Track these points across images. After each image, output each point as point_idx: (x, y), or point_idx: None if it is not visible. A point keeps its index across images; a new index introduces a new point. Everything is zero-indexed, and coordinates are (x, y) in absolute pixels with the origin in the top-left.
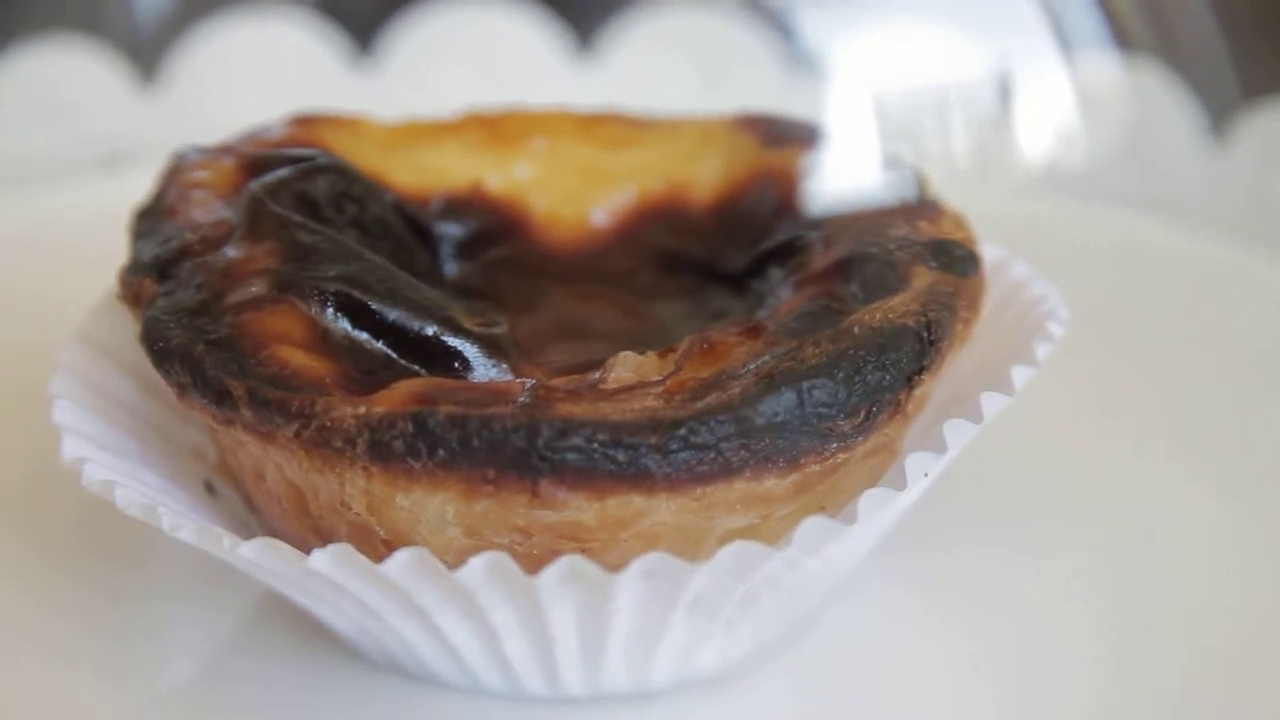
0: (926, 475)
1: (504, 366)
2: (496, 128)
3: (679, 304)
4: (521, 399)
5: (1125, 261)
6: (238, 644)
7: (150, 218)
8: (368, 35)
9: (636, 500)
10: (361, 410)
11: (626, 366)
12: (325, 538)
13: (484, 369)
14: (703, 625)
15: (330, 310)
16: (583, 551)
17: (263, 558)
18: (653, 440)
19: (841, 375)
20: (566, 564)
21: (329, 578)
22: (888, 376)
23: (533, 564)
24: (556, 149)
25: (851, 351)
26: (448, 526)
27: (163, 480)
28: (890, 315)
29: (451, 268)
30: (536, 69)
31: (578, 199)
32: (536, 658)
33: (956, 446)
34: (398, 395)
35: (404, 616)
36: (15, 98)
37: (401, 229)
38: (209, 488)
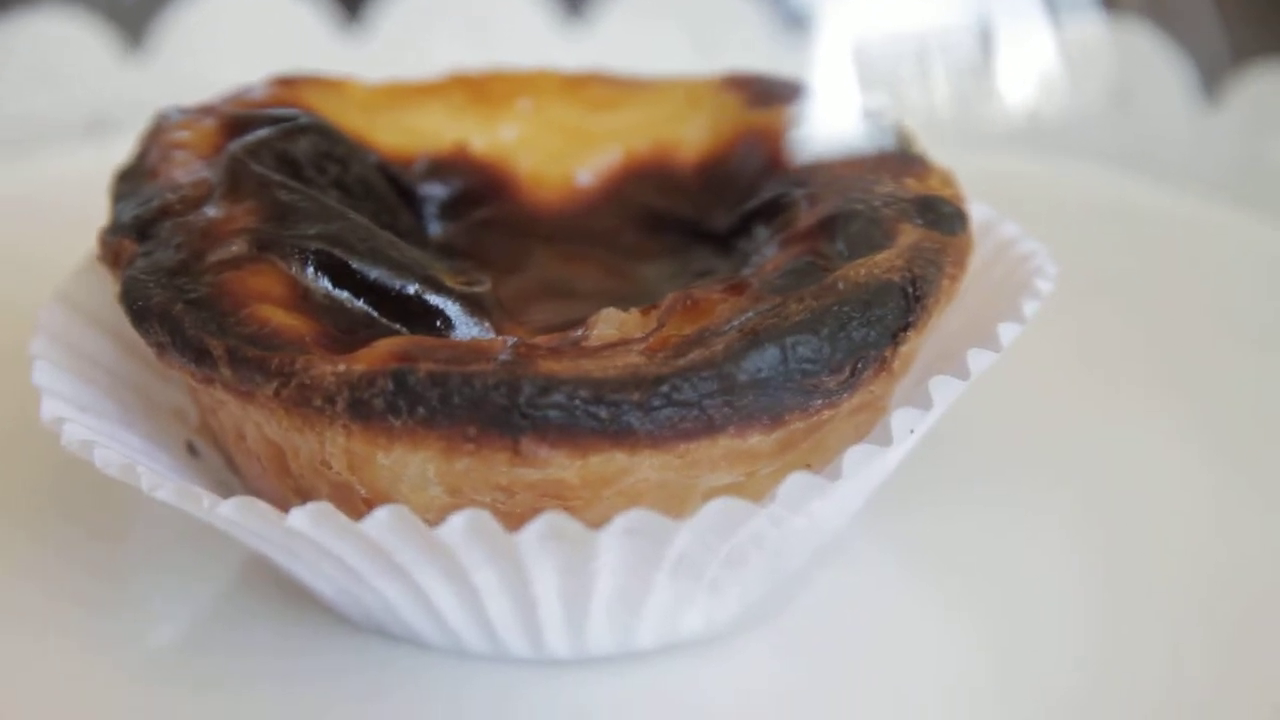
0: (912, 432)
1: (486, 325)
2: (481, 89)
3: (664, 263)
4: (503, 356)
5: (1111, 219)
6: (220, 608)
7: (131, 179)
8: (355, 1)
9: (619, 457)
10: (341, 368)
11: (609, 324)
12: (306, 497)
13: (466, 327)
14: (688, 585)
15: (310, 269)
16: (566, 510)
17: (242, 517)
18: (635, 397)
19: (826, 331)
20: (547, 521)
21: (308, 536)
22: (873, 332)
23: (515, 522)
24: (541, 110)
25: (836, 307)
26: (429, 485)
27: (143, 441)
28: (875, 271)
29: (436, 228)
30: (526, 35)
31: (563, 159)
32: (520, 618)
33: (943, 403)
34: (378, 353)
35: (385, 576)
36: (1, 63)
37: (385, 189)
38: (191, 449)
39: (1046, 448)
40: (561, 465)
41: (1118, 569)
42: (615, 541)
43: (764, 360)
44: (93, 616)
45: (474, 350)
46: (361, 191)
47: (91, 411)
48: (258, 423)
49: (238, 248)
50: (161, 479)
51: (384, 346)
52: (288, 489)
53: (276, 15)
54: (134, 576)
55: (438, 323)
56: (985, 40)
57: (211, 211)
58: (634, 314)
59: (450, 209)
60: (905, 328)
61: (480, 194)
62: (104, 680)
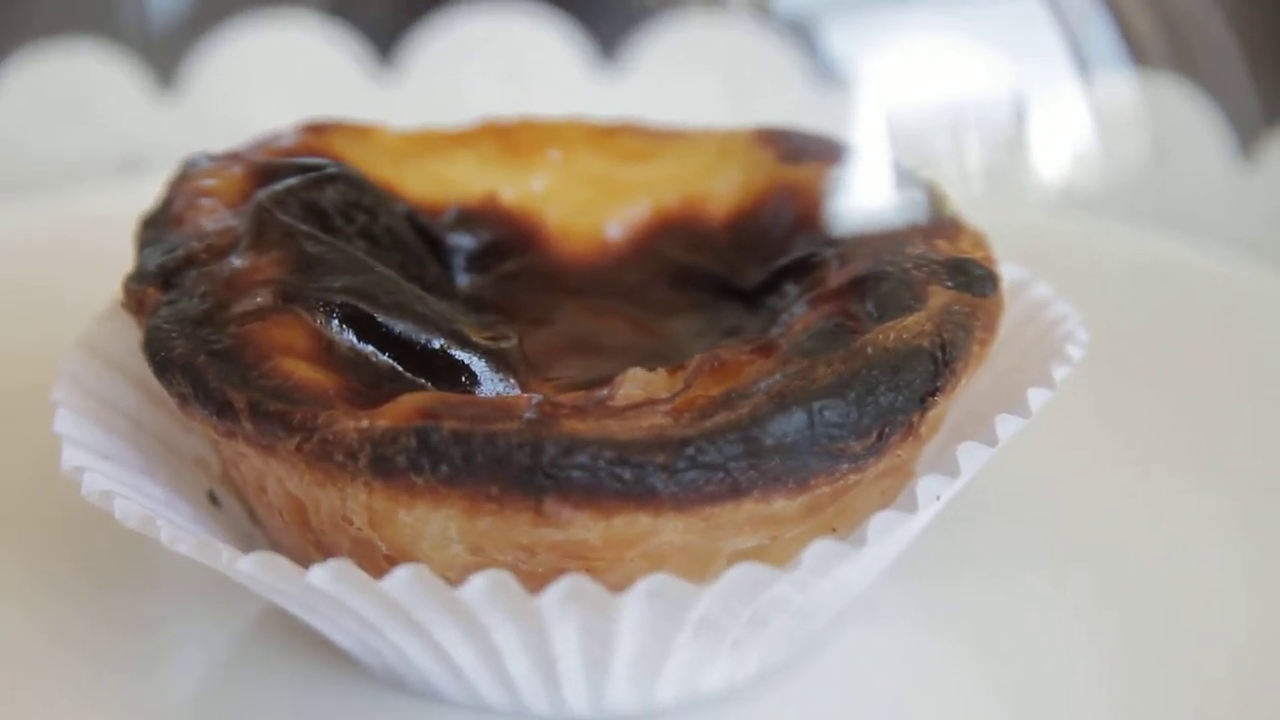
0: (939, 498)
1: (511, 381)
2: (511, 138)
3: (692, 319)
4: (527, 415)
5: (1145, 279)
6: (239, 658)
7: (157, 225)
8: (388, 43)
9: (643, 520)
10: (364, 424)
11: (636, 383)
12: (327, 552)
13: (491, 383)
14: (709, 647)
15: (335, 322)
16: (588, 570)
17: (261, 573)
18: (660, 459)
19: (853, 396)
20: (569, 584)
21: (328, 594)
22: (900, 397)
23: (537, 582)
24: (571, 161)
25: (864, 372)
26: (450, 543)
27: (165, 490)
28: (904, 335)
29: (464, 280)
30: (558, 79)
31: (592, 211)
32: (540, 677)
33: (970, 470)
34: (402, 409)
35: (405, 633)
36: (33, 100)
37: (412, 240)
38: (212, 498)
39: (1073, 515)
40: (585, 526)
41: (1141, 641)
42: (637, 605)
43: (790, 424)
44: (109, 668)
45: (499, 408)
46: (389, 242)
47: (113, 459)
48: (279, 477)
49: (262, 299)
50: (181, 532)
51: (408, 402)
52: (308, 543)
53: (308, 56)
54: (152, 628)
55: (463, 378)
56: (1018, 103)
57: (237, 261)
58: (661, 374)
59: (479, 260)
60: (933, 392)
61: (509, 245)
62: None
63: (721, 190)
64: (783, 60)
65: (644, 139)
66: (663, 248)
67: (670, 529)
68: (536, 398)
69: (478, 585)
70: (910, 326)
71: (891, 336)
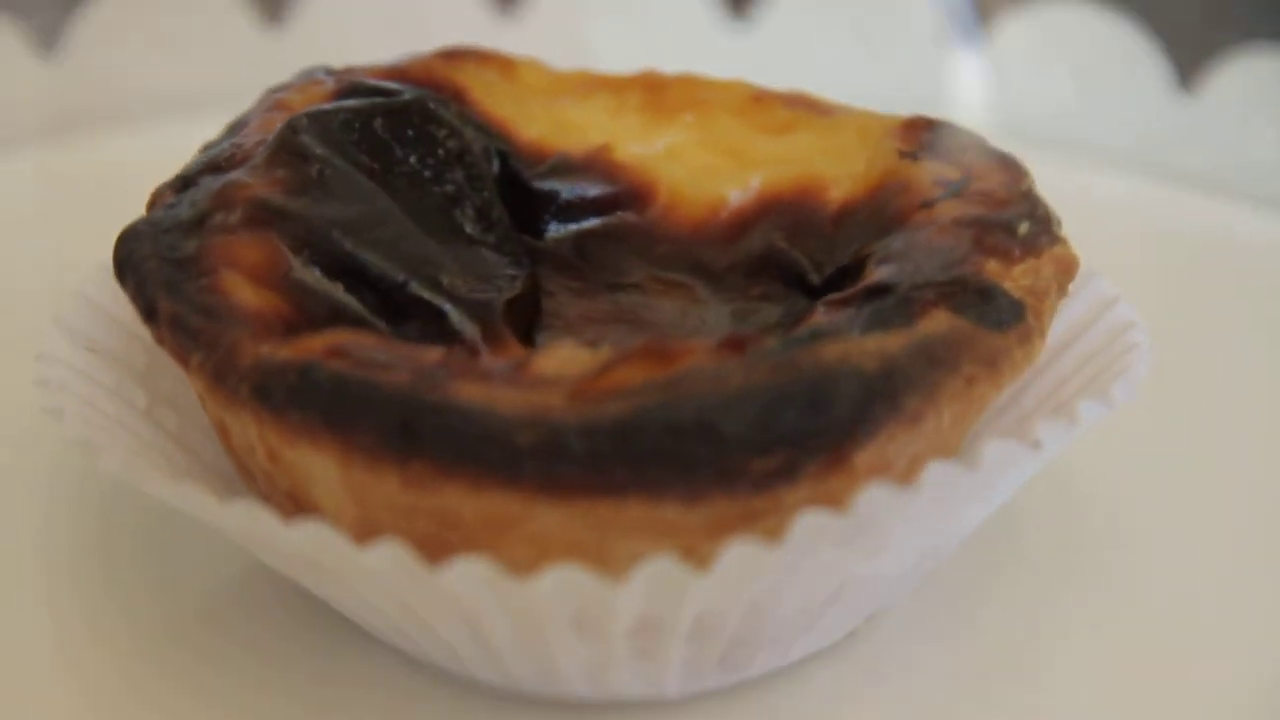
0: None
1: (474, 332)
2: (662, 92)
3: (749, 309)
4: (427, 370)
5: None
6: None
7: (231, 132)
8: None
9: (513, 501)
10: (264, 351)
11: (559, 357)
12: (249, 477)
13: (461, 329)
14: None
15: (306, 250)
16: (471, 546)
17: (176, 499)
18: (526, 440)
19: (753, 412)
20: (469, 562)
21: (235, 531)
22: (816, 423)
23: (428, 549)
24: (707, 124)
25: (779, 386)
26: (336, 490)
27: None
28: (848, 356)
29: (557, 229)
30: (688, 28)
31: (710, 180)
32: (414, 630)
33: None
34: (313, 343)
35: (314, 578)
36: (142, 32)
37: (486, 179)
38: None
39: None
40: (457, 499)
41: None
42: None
43: (674, 429)
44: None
45: (405, 358)
46: (446, 177)
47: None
48: (199, 393)
49: (239, 215)
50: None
51: (323, 337)
52: (237, 464)
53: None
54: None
55: (433, 324)
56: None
57: (240, 175)
58: (596, 353)
59: (571, 211)
60: (863, 424)
61: (609, 201)
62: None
63: (846, 174)
64: (917, 12)
65: (795, 110)
66: (765, 229)
67: (548, 518)
68: (450, 353)
69: (382, 553)
70: (869, 348)
71: (836, 354)
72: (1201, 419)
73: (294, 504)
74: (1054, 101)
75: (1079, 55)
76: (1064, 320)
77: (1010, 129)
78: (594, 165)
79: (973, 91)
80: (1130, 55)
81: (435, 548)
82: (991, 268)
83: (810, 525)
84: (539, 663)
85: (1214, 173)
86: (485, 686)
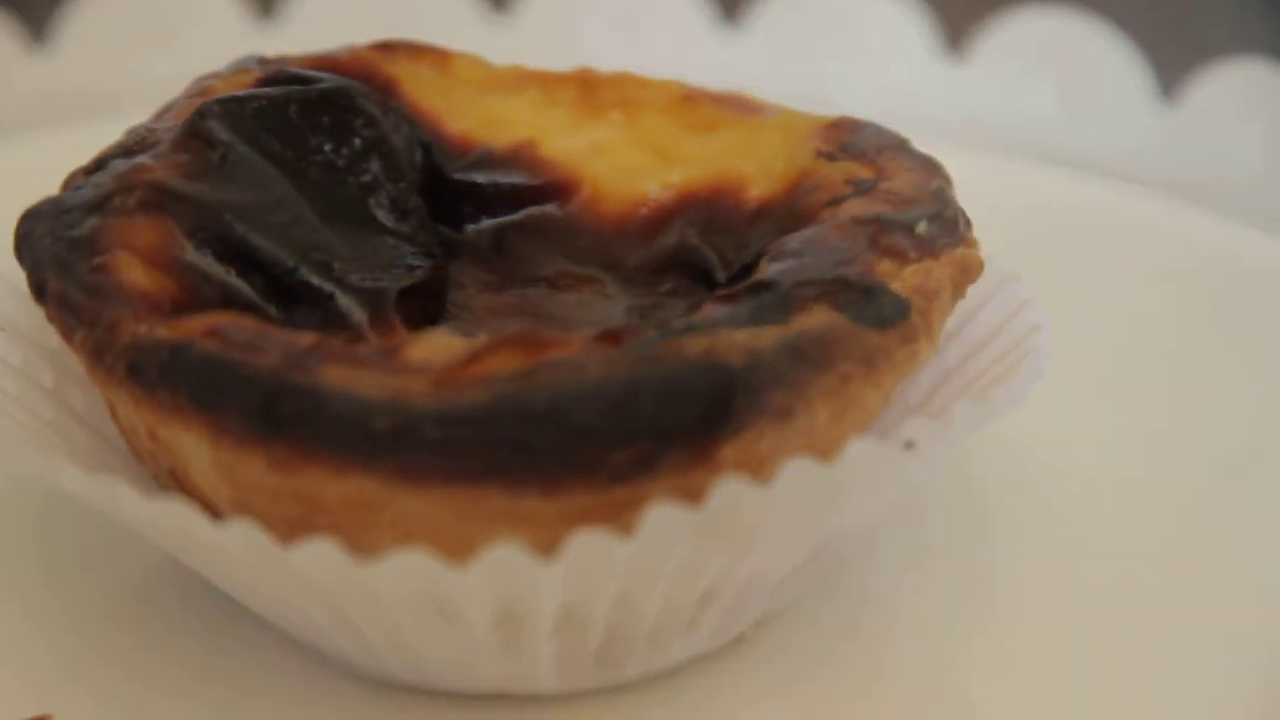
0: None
1: (363, 319)
2: (593, 89)
3: (651, 304)
4: (296, 353)
5: (1056, 223)
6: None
7: (155, 118)
8: None
9: (373, 485)
10: (142, 330)
11: (430, 344)
12: (137, 456)
13: (354, 317)
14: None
15: (199, 234)
16: (336, 530)
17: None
18: (381, 424)
19: (609, 402)
20: (321, 544)
21: (82, 499)
22: (673, 415)
23: (294, 531)
24: (635, 122)
25: (637, 377)
26: (208, 470)
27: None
28: (713, 349)
29: (480, 221)
30: (679, 31)
31: (634, 176)
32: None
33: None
34: (193, 324)
35: (187, 557)
36: (126, 22)
37: (407, 171)
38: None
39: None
40: (319, 481)
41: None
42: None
43: (532, 417)
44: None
45: (279, 341)
46: (360, 168)
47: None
48: (86, 371)
49: (136, 197)
50: None
51: (203, 319)
52: (127, 441)
53: None
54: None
55: (325, 312)
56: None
57: (145, 159)
58: (469, 341)
59: (492, 205)
60: (726, 419)
61: (531, 195)
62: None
63: (763, 176)
64: (904, 22)
65: (722, 110)
66: (681, 226)
67: (409, 504)
68: (324, 337)
69: (236, 531)
70: (736, 342)
71: (700, 347)
72: (1138, 420)
73: (176, 483)
74: (1036, 110)
75: (1061, 64)
76: (981, 322)
77: (992, 138)
78: (518, 159)
79: (955, 100)
80: (1112, 65)
81: (304, 531)
82: (884, 267)
83: (661, 517)
84: (403, 651)
85: (1196, 183)
86: (398, 681)
